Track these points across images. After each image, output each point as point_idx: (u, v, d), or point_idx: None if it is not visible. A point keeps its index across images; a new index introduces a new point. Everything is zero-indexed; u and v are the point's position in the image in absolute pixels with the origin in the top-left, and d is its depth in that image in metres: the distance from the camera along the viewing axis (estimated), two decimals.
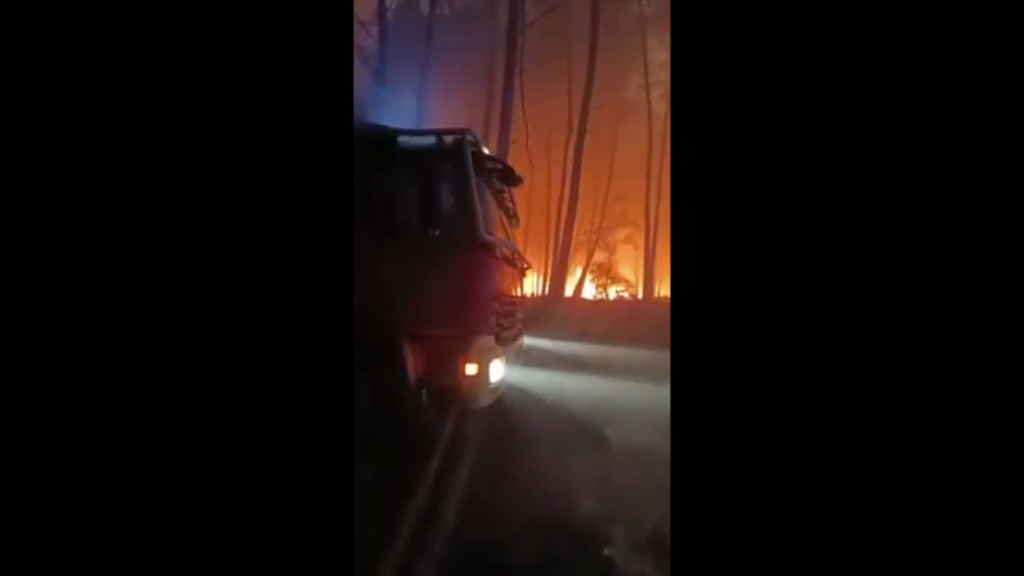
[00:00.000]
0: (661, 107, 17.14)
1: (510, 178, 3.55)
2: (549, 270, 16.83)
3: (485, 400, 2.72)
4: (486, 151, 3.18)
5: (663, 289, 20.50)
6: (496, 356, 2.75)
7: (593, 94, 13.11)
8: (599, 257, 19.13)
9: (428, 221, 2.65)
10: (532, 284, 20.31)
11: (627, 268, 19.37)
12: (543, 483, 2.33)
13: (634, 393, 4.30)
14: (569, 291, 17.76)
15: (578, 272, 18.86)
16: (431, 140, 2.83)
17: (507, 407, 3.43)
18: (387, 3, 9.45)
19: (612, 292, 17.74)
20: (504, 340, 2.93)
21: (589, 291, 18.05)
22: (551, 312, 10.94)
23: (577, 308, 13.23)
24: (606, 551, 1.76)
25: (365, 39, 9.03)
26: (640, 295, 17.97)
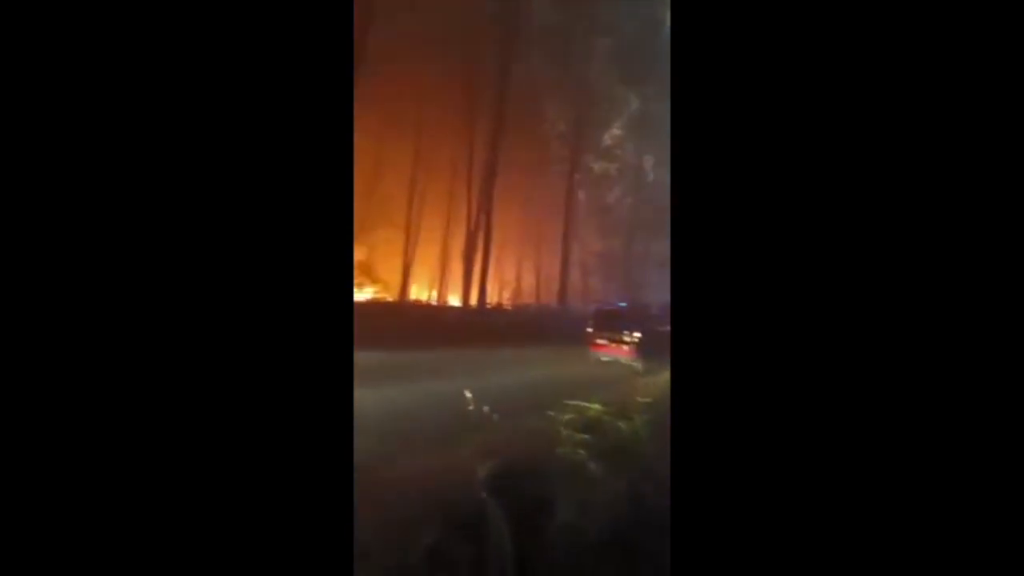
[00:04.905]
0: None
1: None
2: None
3: None
4: None
5: (421, 293, 20.67)
6: None
7: None
8: (360, 254, 18.08)
9: None
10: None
11: (387, 269, 18.82)
12: None
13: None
14: None
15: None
16: None
17: None
18: None
19: (368, 292, 17.11)
20: None
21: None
22: None
23: None
24: None
25: None
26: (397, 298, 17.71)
